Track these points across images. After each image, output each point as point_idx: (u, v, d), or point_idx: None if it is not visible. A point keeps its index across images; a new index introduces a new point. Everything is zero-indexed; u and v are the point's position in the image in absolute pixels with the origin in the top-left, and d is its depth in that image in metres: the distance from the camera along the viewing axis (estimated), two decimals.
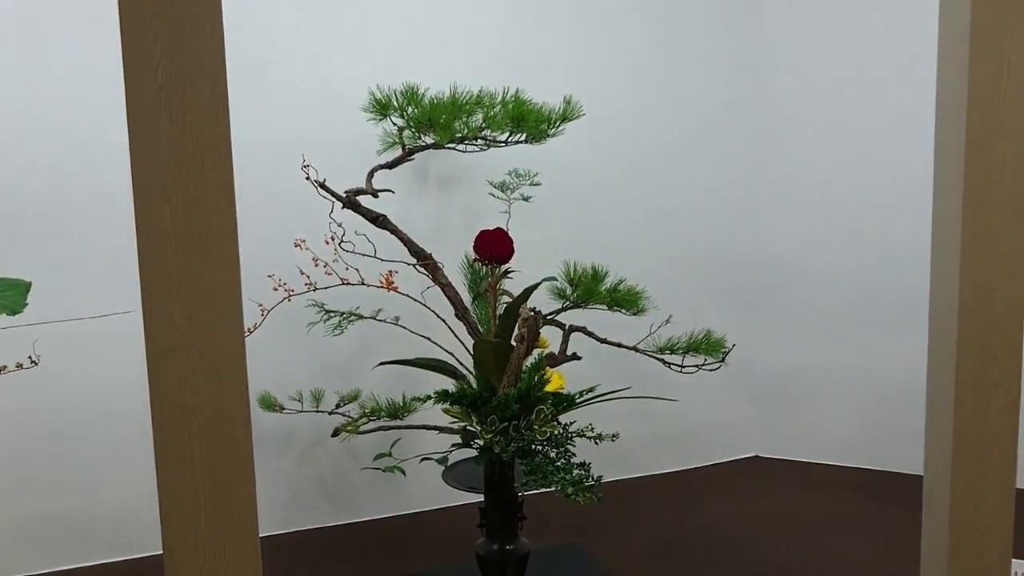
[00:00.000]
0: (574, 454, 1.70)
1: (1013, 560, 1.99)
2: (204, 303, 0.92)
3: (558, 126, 1.93)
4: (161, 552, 0.95)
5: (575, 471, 1.60)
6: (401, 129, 2.00)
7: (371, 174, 2.04)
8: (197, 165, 0.87)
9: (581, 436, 1.77)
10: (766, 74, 2.96)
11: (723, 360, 1.94)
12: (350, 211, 1.99)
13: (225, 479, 0.94)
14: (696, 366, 1.94)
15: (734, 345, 1.97)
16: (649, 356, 2.00)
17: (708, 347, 1.92)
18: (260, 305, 2.05)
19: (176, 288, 0.91)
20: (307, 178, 1.90)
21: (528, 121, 1.88)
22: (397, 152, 2.04)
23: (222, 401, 0.94)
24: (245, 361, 0.95)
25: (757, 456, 3.10)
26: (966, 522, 1.40)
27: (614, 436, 1.76)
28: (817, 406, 3.03)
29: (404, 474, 1.97)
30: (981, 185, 1.33)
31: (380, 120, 1.99)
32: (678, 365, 1.97)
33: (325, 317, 2.08)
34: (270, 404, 2.13)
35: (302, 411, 2.15)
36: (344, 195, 1.99)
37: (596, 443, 1.75)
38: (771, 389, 3.07)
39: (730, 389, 2.97)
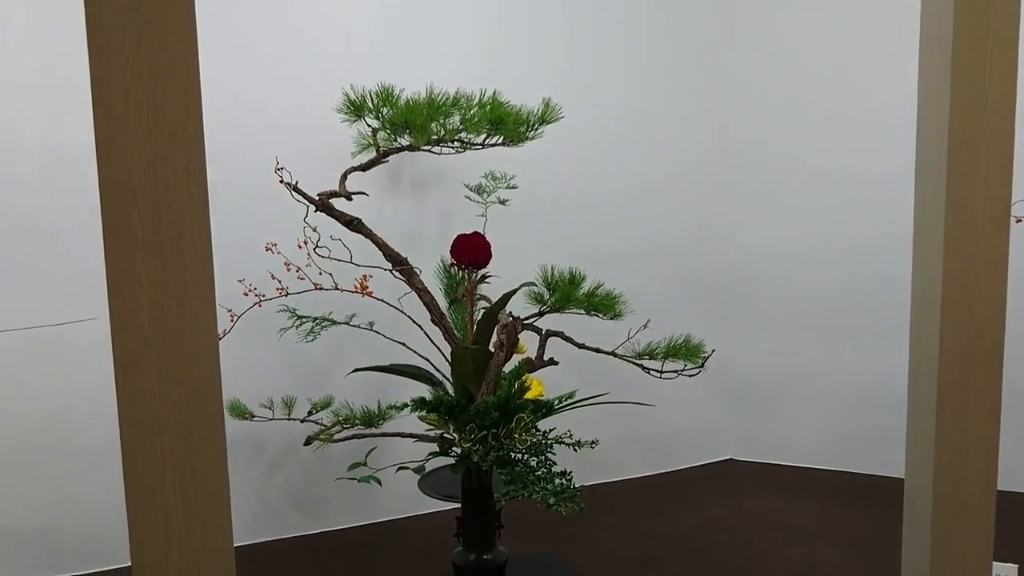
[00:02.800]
0: (554, 463, 1.67)
1: (994, 563, 2.01)
2: (176, 314, 0.87)
3: (537, 128, 1.90)
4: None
5: (557, 480, 1.57)
6: (376, 131, 1.96)
7: (344, 176, 1.99)
8: (168, 167, 0.82)
9: (560, 443, 1.74)
10: (739, 78, 2.96)
11: (702, 366, 1.93)
12: (323, 215, 1.94)
13: (199, 502, 0.89)
14: (675, 372, 1.92)
15: (713, 350, 1.95)
16: (628, 362, 1.98)
17: (687, 352, 1.91)
18: (230, 311, 1.99)
19: (146, 298, 0.86)
20: (281, 181, 1.85)
21: (507, 123, 1.84)
22: (371, 154, 2.00)
23: (195, 418, 0.89)
24: (220, 376, 0.90)
25: (731, 459, 3.11)
26: (948, 526, 1.40)
27: (593, 443, 1.73)
28: (790, 409, 3.04)
29: (380, 484, 1.93)
30: (964, 192, 1.32)
31: (354, 121, 1.95)
32: (657, 371, 1.95)
33: (297, 323, 2.03)
34: (240, 412, 2.07)
35: (273, 419, 2.09)
36: (317, 198, 1.94)
37: (575, 450, 1.72)
38: (745, 393, 3.07)
39: (704, 393, 2.96)
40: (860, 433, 2.89)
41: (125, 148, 0.80)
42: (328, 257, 1.91)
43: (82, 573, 2.25)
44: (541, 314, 2.01)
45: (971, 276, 1.35)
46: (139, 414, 0.87)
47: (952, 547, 1.40)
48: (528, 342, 1.99)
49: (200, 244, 0.87)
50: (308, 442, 1.97)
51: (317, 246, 1.88)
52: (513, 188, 2.17)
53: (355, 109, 1.90)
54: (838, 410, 2.95)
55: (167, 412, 0.88)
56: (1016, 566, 2.04)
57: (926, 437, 1.40)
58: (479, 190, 2.17)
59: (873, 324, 2.82)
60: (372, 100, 1.88)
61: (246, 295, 1.99)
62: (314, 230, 1.88)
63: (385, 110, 1.88)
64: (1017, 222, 1.93)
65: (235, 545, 2.35)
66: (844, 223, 2.88)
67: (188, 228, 0.87)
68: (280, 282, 1.99)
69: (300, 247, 1.92)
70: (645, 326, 1.99)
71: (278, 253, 1.97)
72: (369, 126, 1.96)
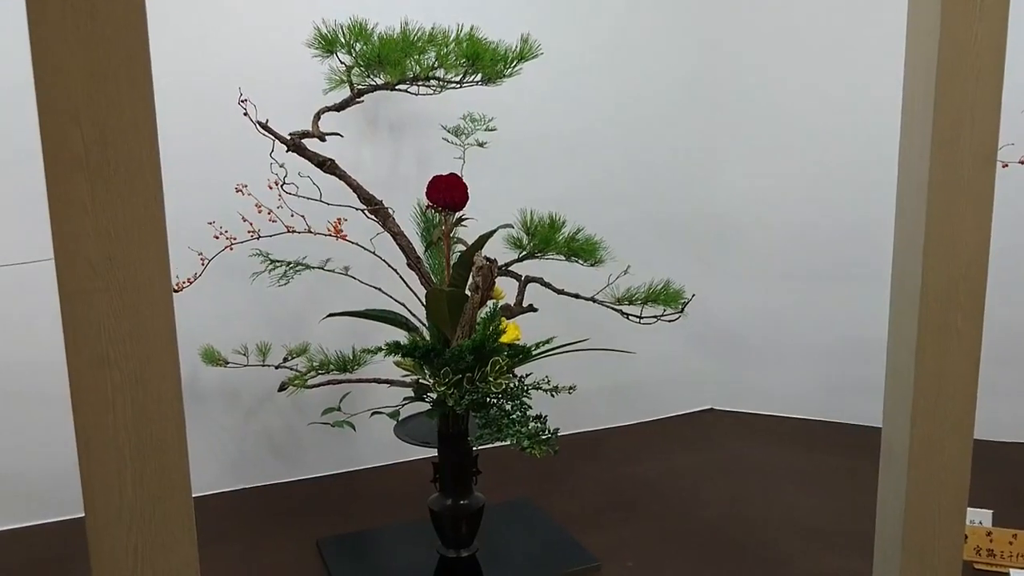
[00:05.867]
0: (530, 407, 1.65)
1: (969, 508, 2.03)
2: (125, 241, 0.82)
3: (515, 66, 1.83)
4: None
5: (531, 424, 1.55)
6: (349, 68, 1.89)
7: (317, 116, 1.93)
8: (111, 82, 0.77)
9: (537, 389, 1.72)
10: (725, 29, 2.89)
11: (682, 311, 1.91)
12: (296, 156, 1.88)
13: (153, 437, 0.86)
14: (655, 317, 1.90)
15: (693, 295, 1.93)
16: (607, 307, 1.95)
17: (667, 298, 1.88)
18: (200, 254, 1.94)
19: (92, 225, 0.81)
20: (245, 114, 1.78)
21: (483, 60, 1.78)
22: (345, 93, 1.93)
23: (148, 351, 0.85)
24: (172, 307, 0.86)
25: (712, 409, 3.11)
26: (924, 471, 1.39)
27: (571, 388, 1.71)
28: (771, 359, 3.03)
29: (354, 428, 1.90)
30: (949, 132, 1.29)
31: (326, 57, 1.88)
32: (636, 316, 1.92)
33: (270, 267, 1.98)
34: (214, 358, 2.03)
35: (248, 365, 2.06)
36: (289, 137, 1.88)
37: (552, 395, 1.70)
38: (725, 342, 3.06)
39: (685, 342, 2.95)
40: (841, 382, 2.90)
41: (62, 58, 0.75)
42: (296, 195, 1.86)
43: (45, 521, 2.21)
44: (521, 259, 1.97)
45: (956, 215, 1.32)
46: (87, 347, 0.83)
47: (927, 490, 1.40)
48: (507, 289, 1.95)
49: (149, 167, 0.82)
50: (282, 388, 1.94)
51: (284, 183, 1.83)
52: (492, 130, 2.11)
53: (327, 44, 1.83)
54: (819, 359, 2.95)
55: (116, 345, 0.84)
56: (991, 511, 2.06)
57: (905, 379, 1.39)
58: (457, 132, 2.11)
59: (857, 272, 2.81)
60: (344, 35, 1.81)
61: (217, 238, 1.94)
62: (281, 166, 1.82)
63: (358, 45, 1.81)
64: (1004, 167, 1.90)
65: (212, 492, 2.37)
66: (828, 170, 2.84)
67: (136, 150, 0.81)
68: (252, 225, 1.93)
69: (270, 188, 1.86)
70: (626, 271, 1.95)
71: (249, 195, 1.92)
72: (342, 62, 1.89)
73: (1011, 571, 1.88)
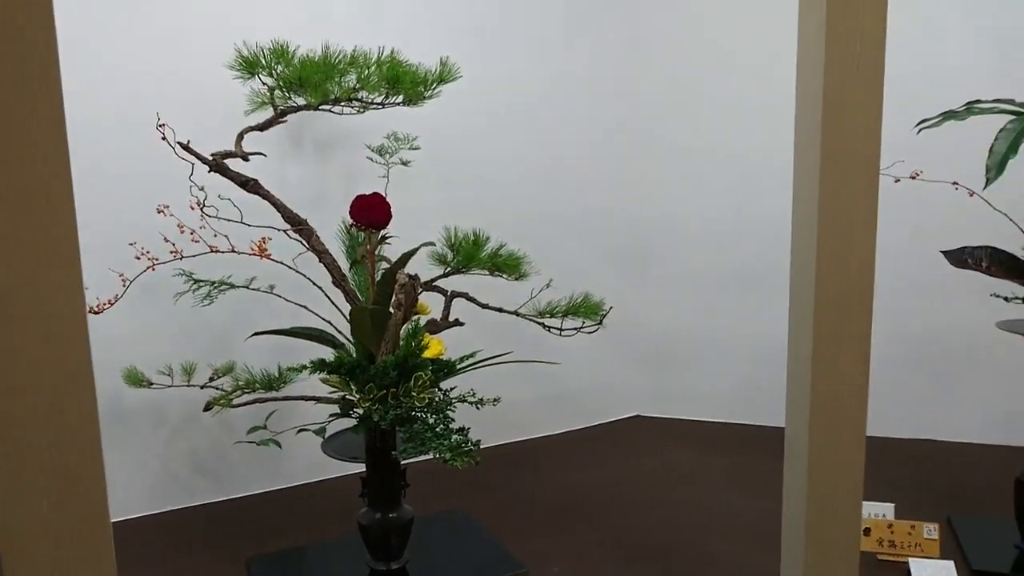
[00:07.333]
0: (453, 419, 1.69)
1: (872, 503, 2.15)
2: (36, 267, 0.84)
3: (435, 88, 1.88)
4: None
5: (453, 437, 1.60)
6: (272, 89, 1.91)
7: (240, 136, 1.94)
8: (18, 104, 0.78)
9: (462, 401, 1.77)
10: (647, 41, 3.00)
11: (600, 322, 1.98)
12: (220, 176, 1.89)
13: (70, 463, 0.87)
14: (574, 329, 1.97)
15: (611, 307, 2.00)
16: (530, 320, 2.01)
17: (586, 310, 1.95)
18: (121, 275, 1.93)
19: (2, 252, 0.83)
20: (163, 138, 1.79)
21: (404, 83, 1.83)
22: (268, 113, 1.95)
23: (63, 377, 0.87)
24: (87, 332, 0.88)
25: (638, 415, 3.20)
26: (823, 469, 1.48)
27: (495, 400, 1.76)
28: (695, 365, 3.14)
29: (280, 447, 1.91)
30: (837, 153, 1.38)
31: (248, 79, 1.89)
32: (557, 328, 1.99)
33: (194, 287, 1.98)
34: (137, 380, 2.01)
35: (172, 386, 2.05)
36: (211, 158, 1.88)
37: (477, 408, 1.75)
38: (651, 350, 3.16)
39: (611, 351, 3.04)
40: (763, 385, 3.01)
41: None
42: (216, 217, 1.87)
43: None
44: (446, 275, 2.02)
45: (844, 232, 1.42)
46: (0, 376, 0.84)
47: (827, 489, 1.49)
48: (434, 304, 1.99)
49: (61, 187, 0.84)
50: (207, 408, 1.94)
51: (204, 205, 1.83)
52: (416, 149, 2.16)
53: (248, 66, 1.85)
54: (742, 364, 3.08)
55: (29, 373, 0.85)
56: (893, 505, 2.18)
57: (803, 384, 1.48)
58: (381, 151, 2.15)
59: (775, 278, 2.92)
60: (265, 57, 1.83)
61: (138, 259, 1.93)
62: (201, 189, 1.82)
63: (279, 67, 1.84)
64: (896, 182, 2.04)
65: (139, 515, 2.34)
66: (749, 185, 2.97)
67: (45, 168, 0.83)
68: (174, 245, 1.93)
69: (192, 208, 1.87)
70: (548, 285, 2.02)
71: (170, 215, 1.91)
72: (264, 84, 1.91)
73: (910, 560, 2.00)
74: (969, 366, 2.85)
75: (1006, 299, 1.99)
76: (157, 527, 2.32)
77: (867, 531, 2.06)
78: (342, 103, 1.90)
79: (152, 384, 2.02)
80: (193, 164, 1.83)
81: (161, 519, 2.36)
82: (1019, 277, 1.93)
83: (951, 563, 1.97)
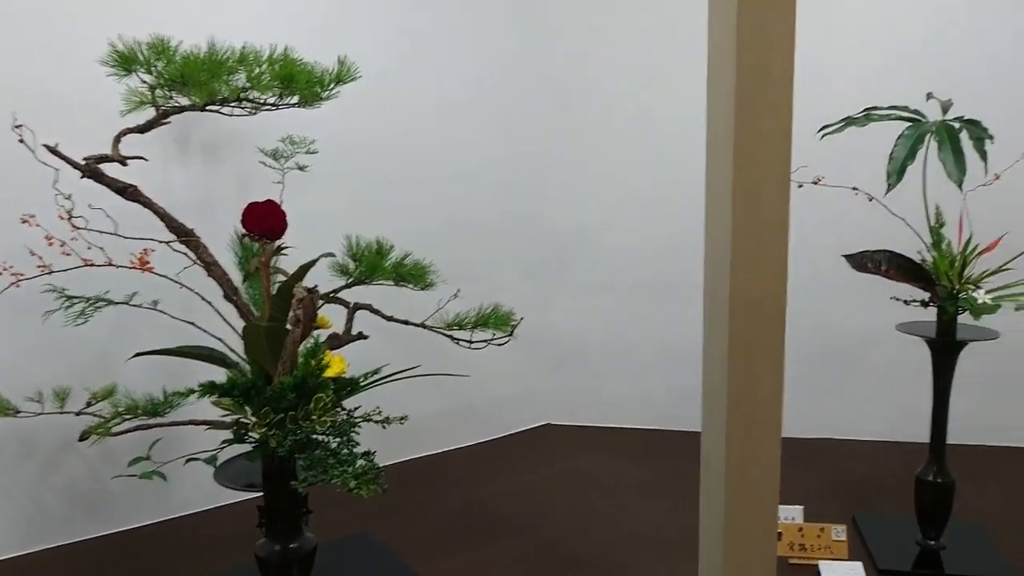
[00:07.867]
0: (357, 443, 1.58)
1: (781, 506, 2.16)
2: None
3: (332, 88, 1.77)
4: None
5: (359, 462, 1.49)
6: (153, 88, 1.75)
7: (118, 139, 1.78)
8: None
9: (368, 421, 1.66)
10: (563, 51, 2.97)
11: (511, 333, 1.91)
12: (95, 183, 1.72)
13: None
14: (484, 341, 1.89)
15: (522, 318, 1.94)
16: (438, 332, 1.92)
17: (496, 321, 1.88)
18: None
19: None
20: (20, 140, 1.61)
21: (298, 82, 1.71)
22: (150, 114, 1.79)
23: None
24: None
25: (549, 424, 3.16)
26: (740, 474, 1.46)
27: (402, 419, 1.66)
28: (607, 371, 3.12)
29: (165, 479, 1.75)
30: (747, 158, 1.36)
31: (124, 76, 1.73)
32: (467, 341, 1.91)
33: (66, 304, 1.80)
34: (2, 408, 1.81)
35: (43, 413, 1.85)
36: (83, 162, 1.71)
37: (384, 427, 1.65)
38: (561, 358, 3.12)
39: (521, 360, 2.98)
40: (676, 391, 3.01)
41: None
42: (87, 228, 1.70)
43: None
44: (348, 286, 1.91)
45: (757, 237, 1.40)
46: None
47: (744, 494, 1.47)
48: (336, 316, 1.88)
49: None
50: (83, 437, 1.76)
51: (72, 216, 1.66)
52: (313, 153, 2.04)
53: (124, 62, 1.69)
54: (654, 370, 3.07)
55: None
56: (802, 507, 2.21)
57: (719, 389, 1.46)
58: (276, 155, 2.02)
59: (686, 284, 2.93)
60: (144, 53, 1.67)
61: (0, 274, 1.74)
62: (67, 197, 1.65)
63: (160, 64, 1.69)
64: (799, 187, 2.06)
65: (4, 557, 2.11)
66: (660, 194, 2.98)
67: None
68: (41, 258, 1.75)
69: (61, 218, 1.69)
70: (456, 295, 1.94)
71: (37, 226, 1.73)
72: (144, 82, 1.75)
73: (819, 563, 2.02)
74: (868, 366, 2.94)
75: (905, 302, 2.03)
76: (28, 568, 2.10)
77: (779, 535, 2.07)
78: (231, 103, 1.76)
79: (19, 413, 1.82)
80: (58, 169, 1.65)
81: (34, 559, 2.15)
82: (916, 280, 1.98)
83: (859, 564, 2.00)
